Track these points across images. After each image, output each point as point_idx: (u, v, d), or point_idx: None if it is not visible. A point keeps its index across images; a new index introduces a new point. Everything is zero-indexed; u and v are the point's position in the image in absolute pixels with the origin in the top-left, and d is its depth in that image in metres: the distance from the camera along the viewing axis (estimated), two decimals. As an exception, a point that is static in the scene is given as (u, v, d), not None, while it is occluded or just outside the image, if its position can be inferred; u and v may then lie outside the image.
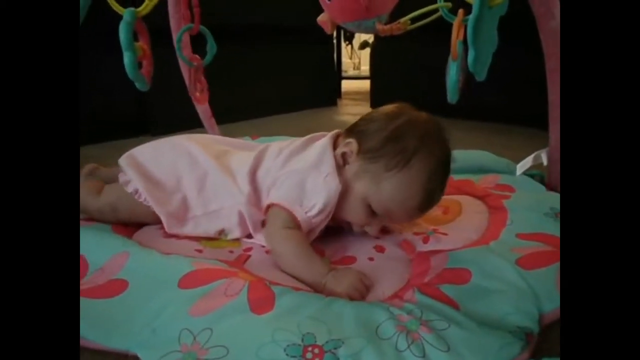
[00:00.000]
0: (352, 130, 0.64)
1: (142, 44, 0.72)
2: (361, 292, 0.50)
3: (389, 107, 0.65)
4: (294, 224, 0.58)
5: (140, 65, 0.71)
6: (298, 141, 0.67)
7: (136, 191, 0.66)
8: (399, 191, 0.58)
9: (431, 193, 0.59)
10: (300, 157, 0.63)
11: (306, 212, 0.58)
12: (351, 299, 0.49)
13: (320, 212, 0.58)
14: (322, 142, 0.64)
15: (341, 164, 0.61)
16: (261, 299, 0.45)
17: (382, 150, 0.59)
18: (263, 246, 0.63)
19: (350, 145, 0.61)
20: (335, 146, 0.64)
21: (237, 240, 0.65)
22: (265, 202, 0.62)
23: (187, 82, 1.04)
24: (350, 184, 0.60)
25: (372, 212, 0.60)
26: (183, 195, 0.66)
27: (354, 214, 0.61)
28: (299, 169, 0.61)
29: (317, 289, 0.52)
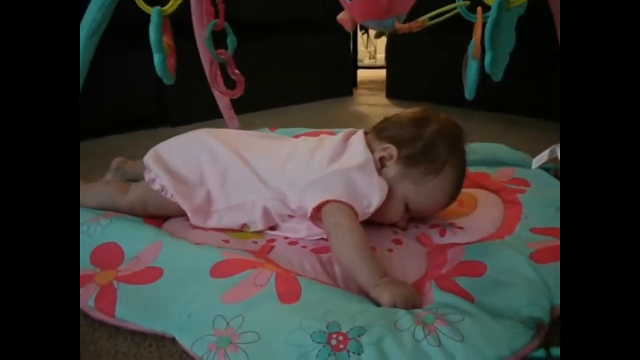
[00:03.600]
0: (383, 134, 0.67)
1: (167, 40, 0.74)
2: (407, 306, 0.48)
3: (413, 112, 0.69)
4: (356, 218, 0.60)
5: (164, 60, 0.73)
6: (332, 141, 0.69)
7: (162, 188, 0.69)
8: (433, 193, 0.66)
9: (456, 192, 0.68)
10: (344, 158, 0.66)
11: (364, 209, 0.61)
12: (394, 307, 0.48)
13: (374, 209, 0.62)
14: (360, 144, 0.67)
15: (379, 167, 0.65)
16: (288, 291, 0.48)
17: (420, 157, 0.64)
18: (286, 238, 0.66)
19: (389, 150, 0.65)
20: (369, 146, 0.67)
21: (260, 232, 0.68)
22: (308, 197, 0.63)
23: (207, 75, 1.06)
24: (390, 186, 0.64)
25: (406, 210, 0.66)
26: (206, 190, 0.69)
27: (393, 212, 0.66)
28: (345, 168, 0.64)
29: (367, 287, 0.52)
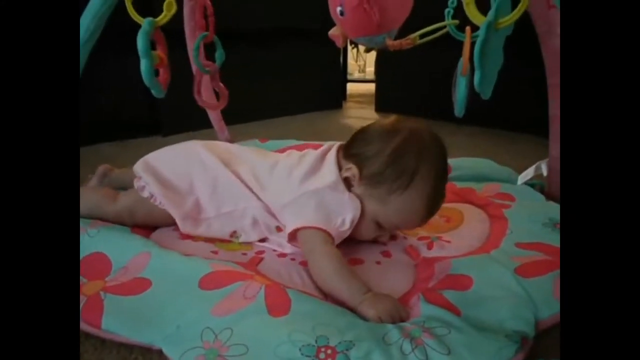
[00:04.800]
0: (349, 152, 0.65)
1: (160, 52, 0.75)
2: (394, 320, 0.49)
3: (383, 123, 0.66)
4: (331, 240, 0.60)
5: (157, 72, 0.74)
6: (310, 158, 0.68)
7: (151, 195, 0.69)
8: (404, 209, 0.62)
9: (434, 204, 0.63)
10: (316, 177, 0.65)
11: (338, 228, 0.61)
12: (381, 322, 0.48)
13: (350, 226, 0.62)
14: (332, 162, 0.65)
15: (347, 186, 0.63)
16: (278, 303, 0.48)
17: (383, 175, 0.61)
18: (274, 250, 0.67)
19: (350, 171, 0.63)
20: (339, 163, 0.65)
21: (249, 243, 0.69)
22: (285, 218, 0.64)
23: (195, 86, 1.06)
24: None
25: (380, 227, 0.65)
26: (196, 198, 0.69)
27: (364, 231, 0.64)
28: (317, 189, 0.63)
29: (351, 306, 0.52)
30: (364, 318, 0.50)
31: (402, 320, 0.49)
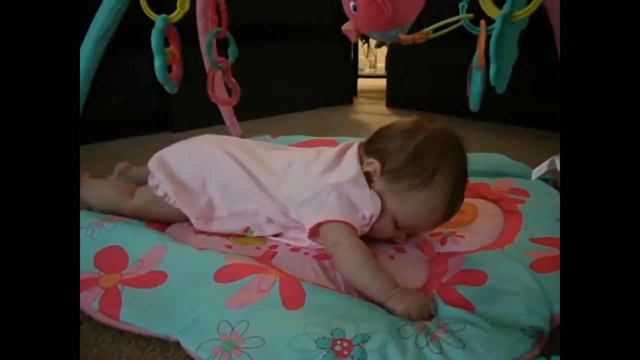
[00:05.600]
0: (371, 147, 0.65)
1: (173, 48, 0.75)
2: (422, 316, 0.49)
3: (405, 122, 0.66)
4: (355, 233, 0.60)
5: (169, 68, 0.74)
6: (328, 155, 0.67)
7: (165, 194, 0.70)
8: (423, 207, 0.62)
9: (453, 205, 0.63)
10: (336, 171, 0.64)
11: (360, 222, 0.61)
12: (410, 318, 0.48)
13: (369, 222, 0.62)
14: (353, 157, 0.65)
15: (367, 182, 0.63)
16: (292, 296, 0.49)
17: (404, 170, 0.61)
18: (288, 244, 0.67)
19: (372, 165, 0.63)
20: (360, 159, 0.65)
21: (262, 237, 0.69)
22: (304, 215, 0.63)
23: (208, 82, 1.07)
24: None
25: (397, 226, 0.64)
26: (209, 197, 0.69)
27: (381, 229, 0.64)
28: (338, 183, 0.62)
29: (379, 301, 0.51)
30: (392, 313, 0.49)
31: (432, 316, 0.49)
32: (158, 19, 0.69)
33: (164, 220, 0.72)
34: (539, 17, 0.64)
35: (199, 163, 0.72)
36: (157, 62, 0.69)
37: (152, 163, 0.72)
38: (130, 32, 0.83)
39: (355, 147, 0.67)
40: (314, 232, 0.62)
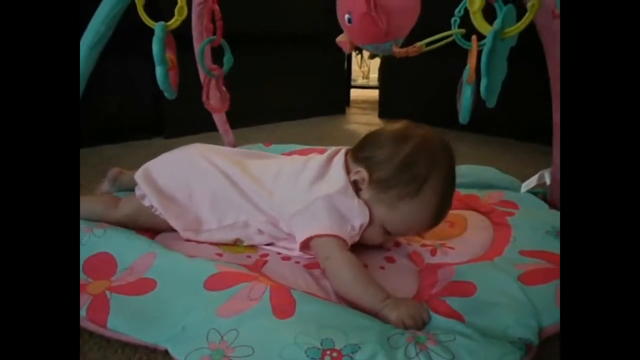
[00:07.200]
0: (359, 155, 0.65)
1: (170, 54, 0.75)
2: (416, 323, 0.49)
3: (394, 129, 0.65)
4: (346, 246, 0.60)
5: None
6: (315, 163, 0.67)
7: (152, 205, 0.69)
8: (412, 216, 0.62)
9: (442, 212, 0.64)
10: (325, 182, 0.64)
11: (350, 233, 0.61)
12: (404, 326, 0.48)
13: (358, 232, 0.62)
14: (340, 166, 0.65)
15: (354, 190, 0.63)
16: (282, 304, 0.49)
17: (393, 180, 0.61)
18: (279, 253, 0.67)
19: (360, 174, 0.63)
20: (347, 167, 0.65)
21: (253, 246, 0.69)
22: (295, 227, 0.63)
23: (204, 91, 1.07)
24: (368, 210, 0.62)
25: (386, 232, 0.64)
26: (195, 212, 0.69)
27: (371, 236, 0.64)
28: (328, 195, 0.62)
29: (372, 312, 0.51)
30: (386, 321, 0.49)
31: (425, 323, 0.49)
32: (157, 27, 0.68)
33: (151, 229, 0.71)
34: (530, 34, 0.66)
35: (185, 175, 0.70)
36: (159, 71, 0.69)
37: (139, 175, 0.71)
38: (124, 37, 0.83)
39: (341, 155, 0.67)
40: (305, 246, 0.62)
